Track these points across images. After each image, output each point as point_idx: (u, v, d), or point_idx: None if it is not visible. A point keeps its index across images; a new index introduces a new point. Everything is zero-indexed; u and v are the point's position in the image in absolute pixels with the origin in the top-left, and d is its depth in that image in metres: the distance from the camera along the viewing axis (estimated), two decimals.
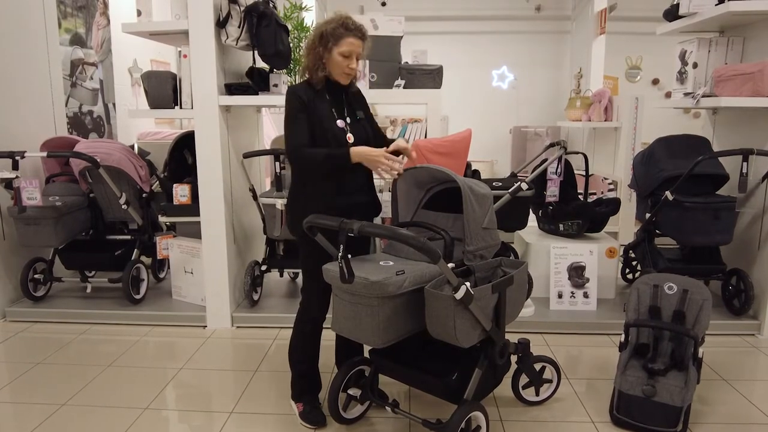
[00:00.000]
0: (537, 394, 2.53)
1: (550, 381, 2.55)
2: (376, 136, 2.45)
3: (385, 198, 3.49)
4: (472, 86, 7.76)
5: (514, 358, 2.40)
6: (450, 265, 2.03)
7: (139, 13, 3.26)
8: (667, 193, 3.20)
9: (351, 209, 2.18)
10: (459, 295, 1.87)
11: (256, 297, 3.58)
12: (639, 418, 2.28)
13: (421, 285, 1.99)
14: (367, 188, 2.36)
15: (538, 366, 2.51)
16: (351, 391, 2.33)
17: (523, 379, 2.51)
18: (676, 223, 3.25)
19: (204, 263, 3.43)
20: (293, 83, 3.58)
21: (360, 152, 2.12)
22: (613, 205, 3.84)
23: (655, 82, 7.77)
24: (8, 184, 3.30)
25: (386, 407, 2.29)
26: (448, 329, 1.93)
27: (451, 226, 2.27)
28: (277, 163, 3.33)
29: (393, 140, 2.36)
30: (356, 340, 2.07)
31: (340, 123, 2.26)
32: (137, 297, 3.66)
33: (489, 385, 2.26)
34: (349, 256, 1.91)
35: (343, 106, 2.31)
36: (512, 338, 2.30)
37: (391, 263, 2.09)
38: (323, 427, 2.34)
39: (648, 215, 3.42)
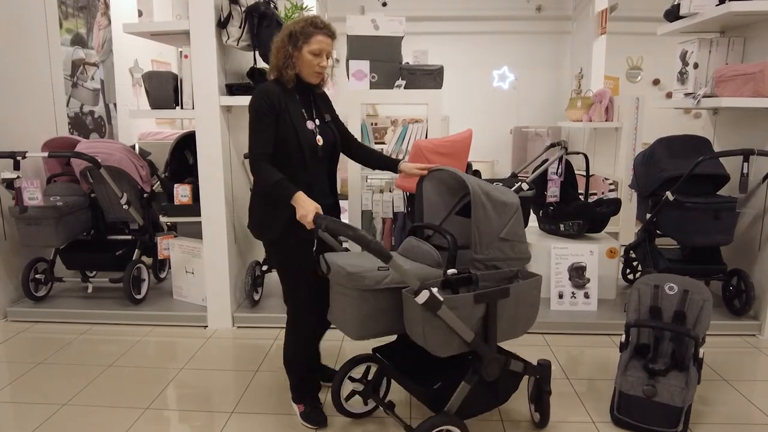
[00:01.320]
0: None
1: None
2: (345, 139, 2.46)
3: (385, 198, 3.50)
4: (473, 86, 7.76)
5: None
6: (451, 270, 2.03)
7: (140, 14, 3.27)
8: (668, 193, 3.20)
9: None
10: (420, 299, 1.80)
11: (256, 297, 3.59)
12: (639, 418, 2.28)
13: (405, 285, 1.93)
14: (330, 191, 2.36)
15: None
16: (353, 386, 2.33)
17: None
18: (677, 223, 3.25)
19: (205, 263, 3.44)
20: None
21: (300, 200, 2.04)
22: (614, 206, 3.84)
23: (656, 82, 7.77)
24: (9, 184, 3.31)
25: (380, 406, 2.29)
26: (419, 334, 1.90)
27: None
28: None
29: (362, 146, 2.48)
30: (341, 330, 2.09)
31: (310, 125, 2.24)
32: (138, 297, 3.66)
33: (484, 403, 2.15)
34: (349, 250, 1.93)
35: (311, 108, 2.30)
36: (518, 349, 2.28)
37: None
38: (325, 427, 2.34)
39: (648, 215, 3.42)
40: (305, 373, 2.42)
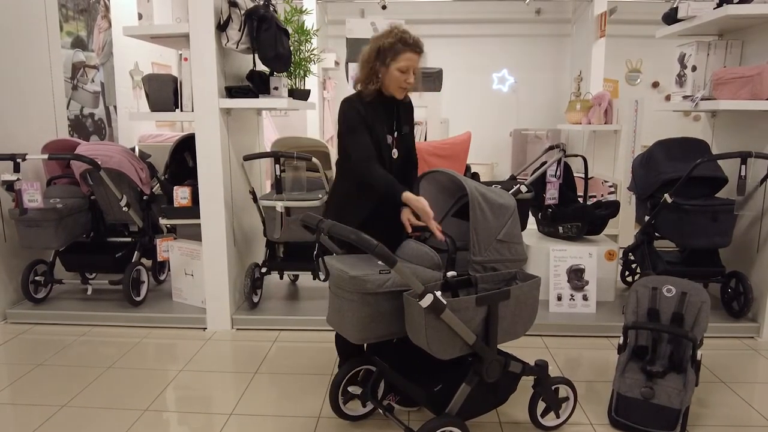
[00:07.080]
0: (558, 416, 2.35)
1: (566, 399, 2.35)
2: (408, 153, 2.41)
3: None
4: (473, 89, 7.78)
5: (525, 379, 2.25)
6: (451, 273, 2.03)
7: (140, 17, 3.28)
8: (666, 195, 3.21)
9: (385, 221, 2.18)
10: (424, 303, 1.82)
11: (256, 299, 3.59)
12: (637, 420, 2.28)
13: (406, 289, 1.94)
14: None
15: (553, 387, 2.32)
16: (351, 389, 2.33)
17: (541, 405, 2.31)
18: (675, 225, 3.26)
19: (204, 265, 3.44)
20: (293, 86, 3.60)
21: (412, 200, 2.08)
22: (613, 208, 3.85)
23: (655, 85, 7.78)
24: (9, 186, 3.32)
25: (379, 409, 2.29)
26: (421, 338, 1.90)
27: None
28: (277, 166, 3.34)
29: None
30: (340, 333, 2.10)
31: (388, 138, 2.25)
32: (137, 299, 3.67)
33: (484, 403, 2.16)
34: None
35: (393, 120, 2.28)
36: (517, 351, 2.29)
37: None
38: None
39: (647, 218, 3.43)
40: (343, 359, 2.43)
